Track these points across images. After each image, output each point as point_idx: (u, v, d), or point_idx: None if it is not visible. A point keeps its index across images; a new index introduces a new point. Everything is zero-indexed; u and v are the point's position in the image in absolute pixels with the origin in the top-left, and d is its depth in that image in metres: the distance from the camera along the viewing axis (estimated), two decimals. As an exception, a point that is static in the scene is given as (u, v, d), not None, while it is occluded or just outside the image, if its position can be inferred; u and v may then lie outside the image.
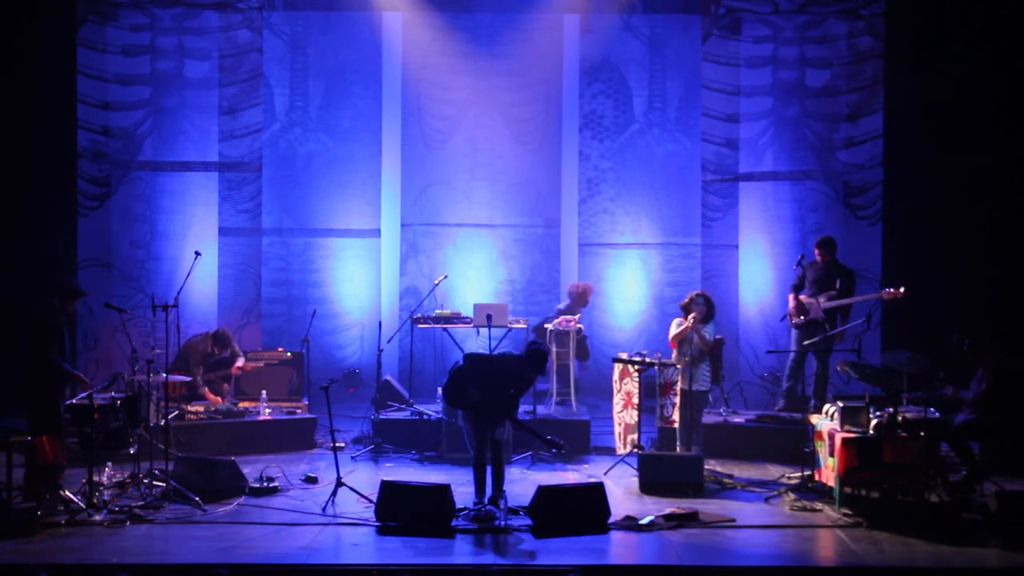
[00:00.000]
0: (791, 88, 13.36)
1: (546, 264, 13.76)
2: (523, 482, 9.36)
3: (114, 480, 9.04)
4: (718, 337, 11.00)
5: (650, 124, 13.69)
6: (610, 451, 10.69)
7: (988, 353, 9.16)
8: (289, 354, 11.76)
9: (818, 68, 13.34)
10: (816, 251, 11.10)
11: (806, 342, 10.50)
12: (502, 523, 8.17)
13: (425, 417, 10.93)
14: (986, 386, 9.02)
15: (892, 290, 10.66)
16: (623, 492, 9.21)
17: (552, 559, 7.43)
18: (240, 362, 11.31)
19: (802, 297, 10.99)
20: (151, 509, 8.46)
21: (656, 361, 10.10)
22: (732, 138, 13.53)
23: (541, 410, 11.08)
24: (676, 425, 10.02)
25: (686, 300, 10.25)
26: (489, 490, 8.57)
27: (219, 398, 11.10)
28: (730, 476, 9.77)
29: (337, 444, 9.25)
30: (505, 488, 8.63)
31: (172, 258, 13.17)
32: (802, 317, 10.95)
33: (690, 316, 10.02)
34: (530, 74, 13.65)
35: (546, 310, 13.23)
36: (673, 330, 10.16)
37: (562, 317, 11.81)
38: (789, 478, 9.59)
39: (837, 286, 10.82)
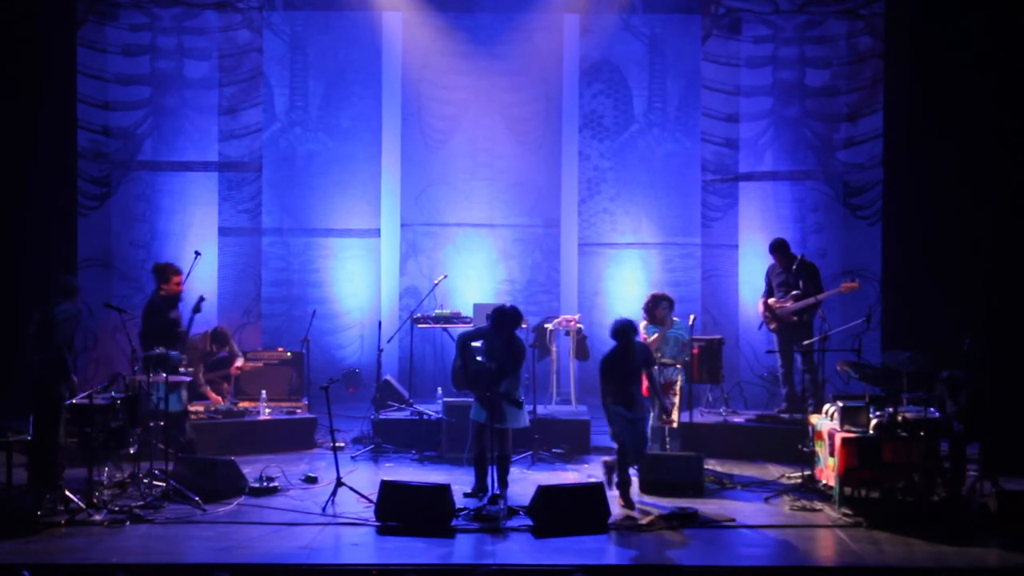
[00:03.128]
0: (791, 88, 13.36)
1: (546, 264, 13.76)
2: (523, 482, 9.36)
3: (114, 480, 9.04)
4: (718, 337, 11.04)
5: (650, 124, 13.69)
6: (610, 451, 10.69)
7: (962, 351, 9.16)
8: (289, 354, 11.76)
9: (818, 68, 13.34)
10: (771, 256, 11.13)
11: (806, 342, 10.47)
12: (502, 523, 8.18)
13: (425, 417, 10.94)
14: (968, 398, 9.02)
15: (848, 283, 10.76)
16: (623, 492, 9.21)
17: (552, 559, 7.43)
18: (239, 362, 11.30)
19: (771, 301, 11.03)
20: (151, 509, 8.45)
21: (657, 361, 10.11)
22: (732, 138, 13.52)
23: (541, 410, 11.08)
24: (675, 425, 10.05)
25: (650, 303, 10.28)
26: (492, 487, 8.60)
27: (220, 397, 11.10)
28: (730, 476, 9.78)
29: (337, 444, 9.25)
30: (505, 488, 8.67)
31: (172, 258, 13.01)
32: (774, 324, 10.99)
33: (653, 337, 10.12)
34: (530, 74, 13.65)
35: (546, 310, 13.25)
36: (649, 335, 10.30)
37: (563, 316, 11.84)
38: (789, 478, 9.59)
39: (800, 286, 10.80)
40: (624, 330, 9.00)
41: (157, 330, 9.56)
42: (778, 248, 11.12)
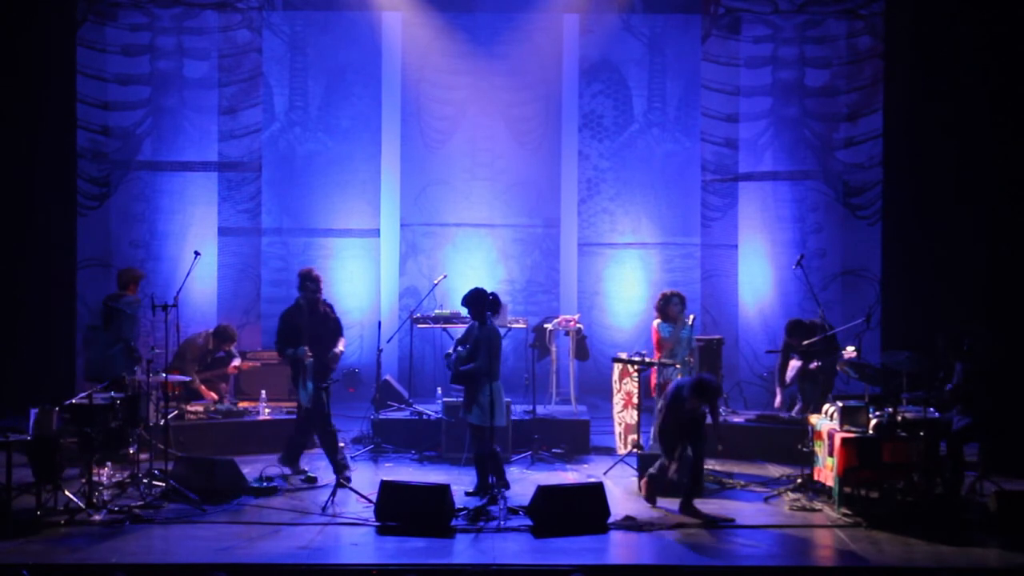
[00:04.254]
0: (791, 88, 13.37)
1: (546, 264, 13.77)
2: (523, 482, 9.36)
3: (114, 480, 9.04)
4: (718, 337, 11.04)
5: (650, 124, 13.70)
6: (610, 451, 10.70)
7: (962, 350, 9.16)
8: (289, 354, 11.73)
9: (818, 68, 13.34)
10: (788, 336, 10.74)
11: (806, 341, 10.38)
12: (502, 523, 8.18)
13: (425, 417, 10.93)
14: (959, 381, 9.01)
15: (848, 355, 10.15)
16: (623, 492, 9.21)
17: (552, 559, 7.43)
18: (236, 362, 11.29)
19: (794, 363, 10.70)
20: (151, 509, 8.46)
21: (656, 361, 10.12)
22: (732, 138, 13.53)
23: (541, 410, 11.08)
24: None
25: (661, 301, 10.27)
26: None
27: (213, 394, 11.08)
28: (730, 476, 9.78)
29: (337, 444, 9.25)
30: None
31: (172, 258, 13.16)
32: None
33: (669, 334, 10.14)
34: (530, 74, 13.66)
35: (546, 310, 13.25)
36: (664, 334, 10.24)
37: (562, 316, 11.83)
38: (789, 478, 9.59)
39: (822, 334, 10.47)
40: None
41: (302, 328, 9.77)
42: (793, 331, 10.62)
